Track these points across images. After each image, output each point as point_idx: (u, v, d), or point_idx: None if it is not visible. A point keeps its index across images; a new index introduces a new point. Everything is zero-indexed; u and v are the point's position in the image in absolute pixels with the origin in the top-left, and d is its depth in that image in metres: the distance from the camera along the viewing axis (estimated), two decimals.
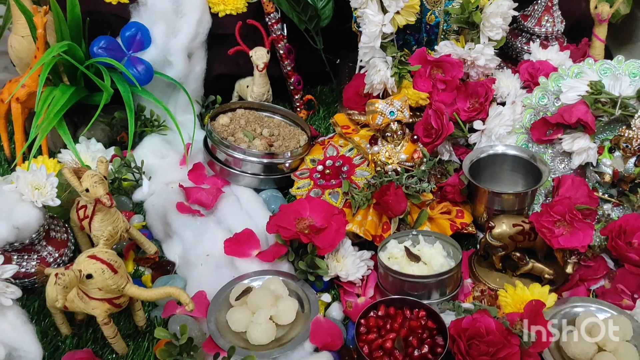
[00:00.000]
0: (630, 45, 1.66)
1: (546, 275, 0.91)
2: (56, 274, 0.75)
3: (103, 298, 0.75)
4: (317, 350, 0.79)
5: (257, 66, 1.13)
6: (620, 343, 0.79)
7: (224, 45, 1.17)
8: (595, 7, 1.22)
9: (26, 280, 0.84)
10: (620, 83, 0.96)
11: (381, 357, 0.76)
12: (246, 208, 1.00)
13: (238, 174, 1.04)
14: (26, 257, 0.85)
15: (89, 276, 0.72)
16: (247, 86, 1.18)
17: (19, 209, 0.83)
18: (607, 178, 0.96)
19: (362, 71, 1.12)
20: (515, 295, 0.86)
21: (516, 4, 1.08)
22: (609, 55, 1.27)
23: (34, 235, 0.85)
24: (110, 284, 0.73)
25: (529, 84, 1.07)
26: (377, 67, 1.05)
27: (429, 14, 1.10)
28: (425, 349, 0.77)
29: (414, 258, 0.89)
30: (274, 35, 1.19)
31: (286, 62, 1.23)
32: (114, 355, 0.80)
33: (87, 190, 0.79)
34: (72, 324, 0.83)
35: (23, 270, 0.84)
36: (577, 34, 1.32)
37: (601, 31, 1.23)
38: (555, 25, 1.19)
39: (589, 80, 0.98)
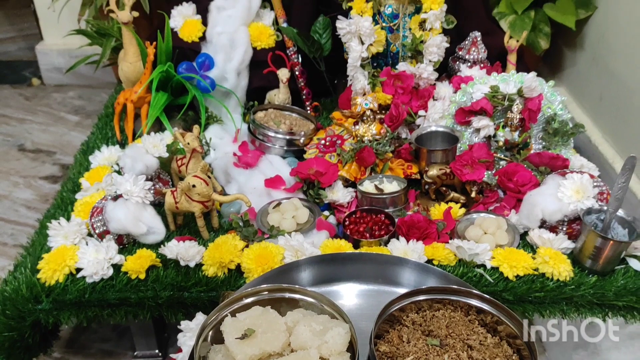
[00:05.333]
0: (559, 73, 2.25)
1: (461, 201, 1.46)
2: (171, 191, 1.34)
3: (199, 201, 1.31)
4: None
5: (282, 80, 1.71)
6: (497, 230, 1.34)
7: (260, 67, 1.70)
8: (507, 41, 1.81)
9: None
10: (509, 86, 1.54)
11: (357, 235, 1.32)
12: (276, 166, 1.56)
13: (270, 147, 1.60)
14: None
15: (194, 186, 1.29)
16: (275, 95, 1.75)
17: (146, 157, 1.41)
18: (501, 144, 1.52)
19: (349, 84, 1.71)
20: (440, 209, 1.41)
21: (448, 37, 1.68)
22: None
23: (153, 173, 1.42)
24: (204, 191, 1.29)
25: (457, 90, 1.65)
26: (359, 79, 1.64)
27: (391, 45, 1.68)
28: (382, 232, 1.33)
29: (379, 190, 1.45)
30: (293, 61, 1.77)
31: (300, 80, 1.80)
32: (201, 240, 1.36)
33: (188, 143, 1.37)
34: (175, 225, 1.40)
35: None
36: (501, 59, 1.90)
37: (512, 57, 1.76)
38: (479, 54, 1.73)
39: (491, 84, 1.56)
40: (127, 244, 1.32)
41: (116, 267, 1.24)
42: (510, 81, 1.53)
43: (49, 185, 2.22)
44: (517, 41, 1.72)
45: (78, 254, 1.24)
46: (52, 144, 2.48)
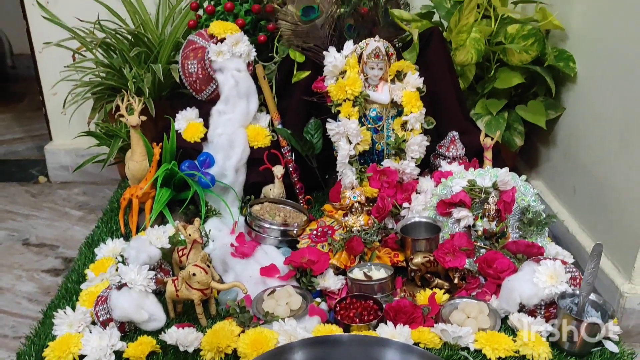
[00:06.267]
0: (535, 168, 2.40)
1: (445, 287, 1.55)
2: (172, 280, 1.42)
3: (199, 289, 1.39)
4: None
5: (277, 176, 1.85)
6: (479, 314, 1.42)
7: (257, 164, 1.85)
8: (483, 140, 1.97)
9: None
10: (485, 179, 1.67)
11: (347, 320, 1.39)
12: (271, 256, 1.65)
13: (265, 237, 1.71)
14: None
15: (194, 274, 1.38)
16: (270, 189, 1.88)
17: (149, 248, 1.51)
18: (480, 233, 1.63)
19: (339, 179, 1.85)
20: (425, 295, 1.50)
21: (428, 137, 1.84)
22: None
23: (155, 263, 1.51)
24: (204, 279, 1.38)
25: (438, 184, 1.78)
26: (347, 175, 1.78)
27: (377, 144, 1.84)
28: (371, 317, 1.41)
29: (368, 277, 1.54)
30: (287, 158, 1.92)
31: (294, 175, 1.94)
32: (199, 326, 1.42)
33: (189, 235, 1.48)
34: (175, 312, 1.47)
35: None
36: (478, 156, 2.05)
37: (488, 154, 1.91)
38: (458, 151, 1.87)
39: (469, 179, 1.70)
40: (129, 331, 1.39)
41: (118, 354, 1.30)
42: (486, 176, 1.66)
43: (51, 278, 2.29)
44: (492, 139, 1.88)
45: (82, 341, 1.31)
46: (56, 238, 2.57)
